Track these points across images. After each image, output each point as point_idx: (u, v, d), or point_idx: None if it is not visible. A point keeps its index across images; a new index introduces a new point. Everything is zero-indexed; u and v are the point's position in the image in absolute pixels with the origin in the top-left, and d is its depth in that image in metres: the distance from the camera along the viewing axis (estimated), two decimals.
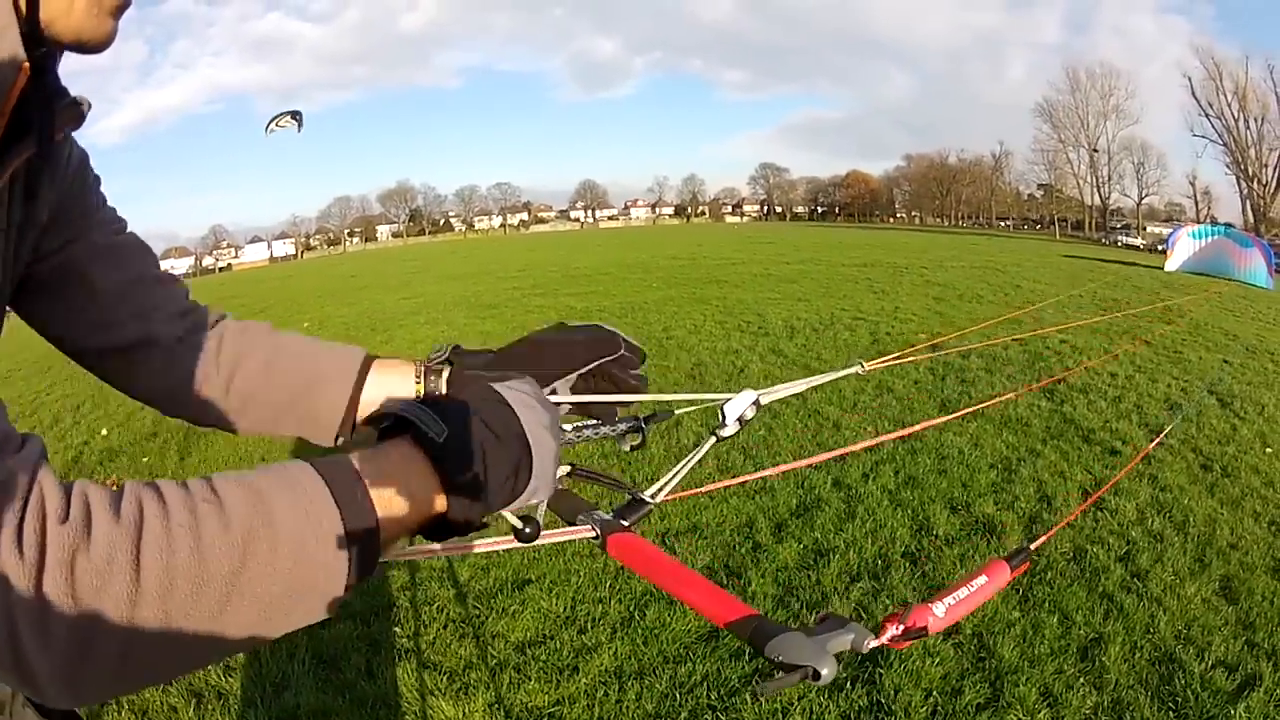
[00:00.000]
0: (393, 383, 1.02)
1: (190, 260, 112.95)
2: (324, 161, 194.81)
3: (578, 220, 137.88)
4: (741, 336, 10.31)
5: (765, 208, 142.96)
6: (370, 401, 1.01)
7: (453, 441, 0.68)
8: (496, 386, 0.76)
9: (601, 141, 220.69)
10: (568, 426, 1.08)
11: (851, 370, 1.70)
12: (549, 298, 16.53)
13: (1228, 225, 30.58)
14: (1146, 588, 3.72)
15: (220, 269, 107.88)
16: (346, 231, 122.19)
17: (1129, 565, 3.94)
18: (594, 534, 0.96)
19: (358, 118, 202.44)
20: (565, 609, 3.50)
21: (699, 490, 2.90)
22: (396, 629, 3.40)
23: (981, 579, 1.01)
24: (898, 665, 3.07)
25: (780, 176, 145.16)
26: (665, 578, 0.88)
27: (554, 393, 1.06)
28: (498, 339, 10.95)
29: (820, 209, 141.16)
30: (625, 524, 0.97)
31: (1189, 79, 73.52)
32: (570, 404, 1.08)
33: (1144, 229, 71.95)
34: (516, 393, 0.76)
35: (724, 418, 1.22)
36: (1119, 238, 65.10)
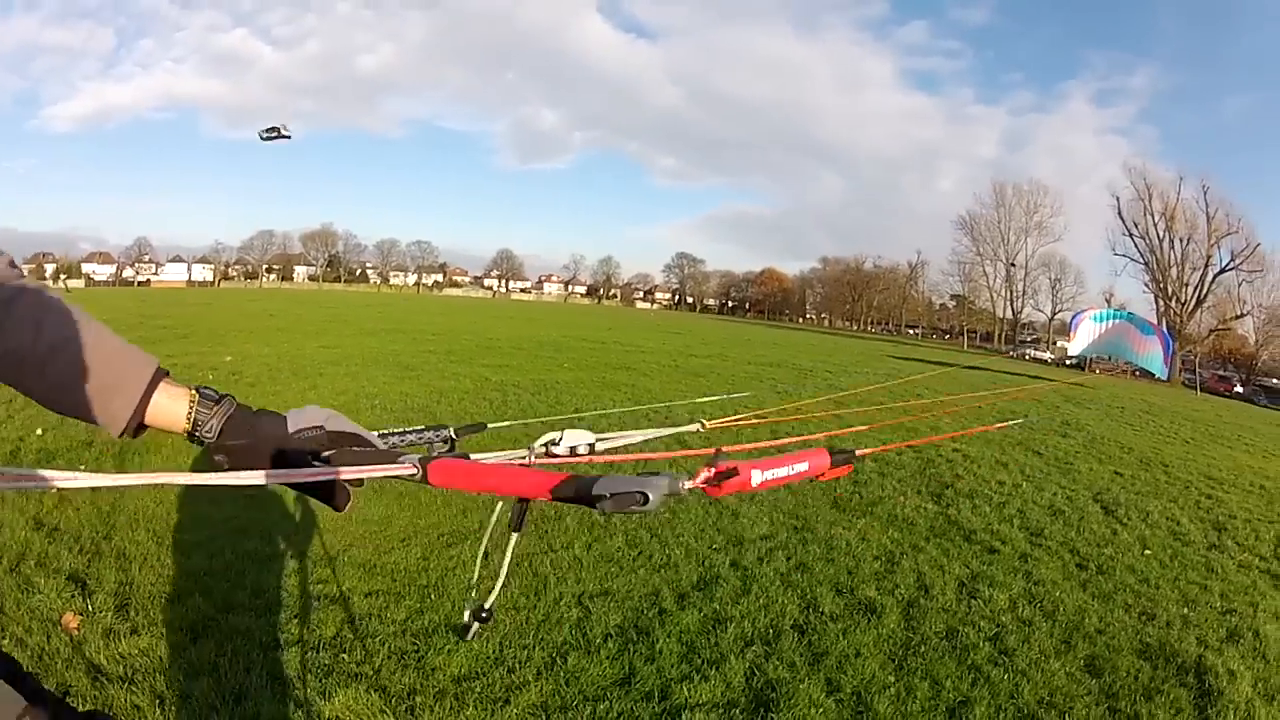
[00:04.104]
0: (173, 405, 1.30)
1: (112, 269, 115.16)
2: (254, 190, 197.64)
3: (491, 288, 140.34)
4: (649, 425, 10.74)
5: (677, 296, 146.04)
6: (156, 407, 1.29)
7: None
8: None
9: (527, 212, 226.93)
10: (386, 429, 1.58)
11: (693, 428, 2.29)
12: (465, 365, 17.27)
13: (1130, 313, 32.42)
14: (1013, 662, 4.34)
15: (139, 283, 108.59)
16: (265, 267, 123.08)
17: (998, 644, 4.57)
18: (414, 471, 1.19)
19: (297, 152, 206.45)
20: (494, 651, 3.94)
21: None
22: (344, 656, 3.78)
23: (804, 464, 1.26)
24: (786, 713, 3.62)
25: (695, 267, 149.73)
26: (489, 480, 1.13)
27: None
28: (418, 400, 11.32)
29: (731, 303, 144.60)
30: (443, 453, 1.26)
31: (1117, 199, 77.98)
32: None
33: (1054, 344, 75.20)
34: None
35: (560, 439, 1.55)
36: (1027, 351, 68.13)
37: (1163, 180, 77.04)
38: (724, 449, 1.06)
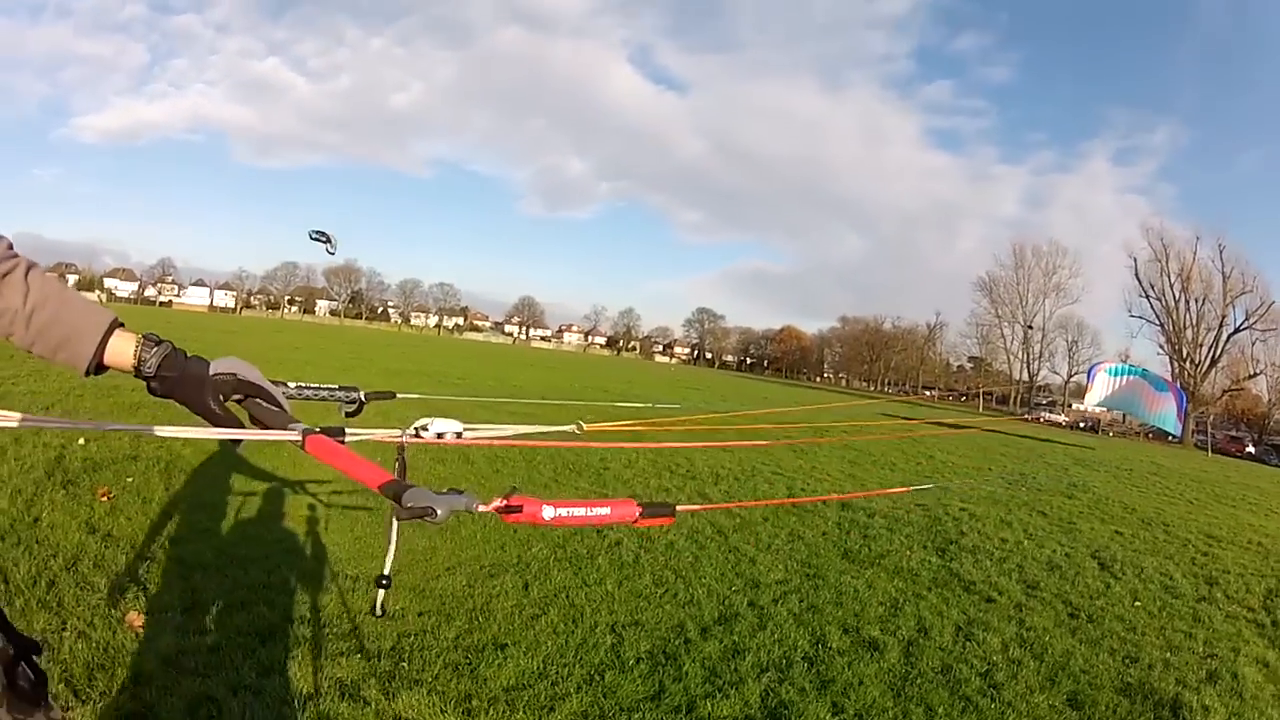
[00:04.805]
0: (125, 346, 1.58)
1: (134, 286, 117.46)
2: (280, 218, 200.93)
3: (511, 335, 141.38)
4: (671, 477, 11.44)
5: (696, 352, 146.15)
6: (113, 349, 1.57)
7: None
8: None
9: (549, 259, 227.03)
10: (292, 383, 1.86)
11: (570, 428, 2.69)
12: (490, 412, 17.49)
13: (1144, 370, 32.49)
14: (1000, 695, 4.83)
15: (161, 303, 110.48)
16: (287, 298, 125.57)
17: (988, 679, 5.05)
18: (298, 438, 1.45)
19: (323, 184, 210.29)
20: (538, 667, 4.46)
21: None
22: (404, 664, 4.26)
23: (605, 510, 1.36)
24: None
25: (715, 323, 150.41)
26: (344, 462, 1.31)
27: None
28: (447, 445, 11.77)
29: (750, 360, 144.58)
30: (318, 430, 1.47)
31: (1134, 260, 78.04)
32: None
33: (1069, 406, 74.96)
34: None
35: (430, 425, 1.79)
36: (1043, 414, 67.87)
37: (1179, 240, 77.77)
38: (516, 491, 1.23)
